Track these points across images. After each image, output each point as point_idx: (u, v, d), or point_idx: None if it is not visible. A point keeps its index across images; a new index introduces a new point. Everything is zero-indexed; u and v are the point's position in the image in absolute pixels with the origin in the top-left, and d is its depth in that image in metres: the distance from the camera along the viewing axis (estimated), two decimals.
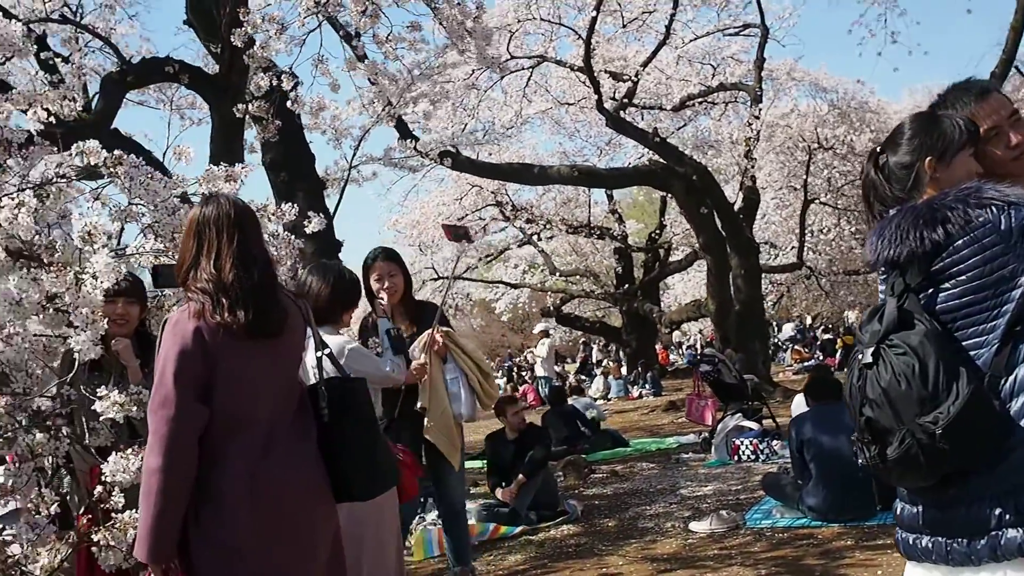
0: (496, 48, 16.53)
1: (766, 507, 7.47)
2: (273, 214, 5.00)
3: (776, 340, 34.09)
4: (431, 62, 11.29)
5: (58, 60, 8.83)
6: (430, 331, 5.47)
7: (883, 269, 2.57)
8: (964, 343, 2.39)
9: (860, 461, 2.49)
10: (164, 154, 11.34)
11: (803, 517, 6.96)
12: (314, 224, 6.29)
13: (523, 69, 18.36)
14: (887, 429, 2.37)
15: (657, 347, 27.92)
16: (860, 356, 2.49)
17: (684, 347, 34.26)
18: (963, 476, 2.34)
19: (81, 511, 3.75)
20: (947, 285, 2.40)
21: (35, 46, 8.83)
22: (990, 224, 2.33)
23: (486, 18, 15.16)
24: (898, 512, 2.56)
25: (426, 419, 5.39)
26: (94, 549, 3.23)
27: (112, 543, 3.20)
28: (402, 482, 4.44)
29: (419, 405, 5.36)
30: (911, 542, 2.51)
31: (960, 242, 2.36)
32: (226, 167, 4.87)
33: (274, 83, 8.57)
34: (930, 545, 2.44)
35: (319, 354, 3.41)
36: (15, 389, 3.48)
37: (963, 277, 2.37)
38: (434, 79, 11.99)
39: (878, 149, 2.73)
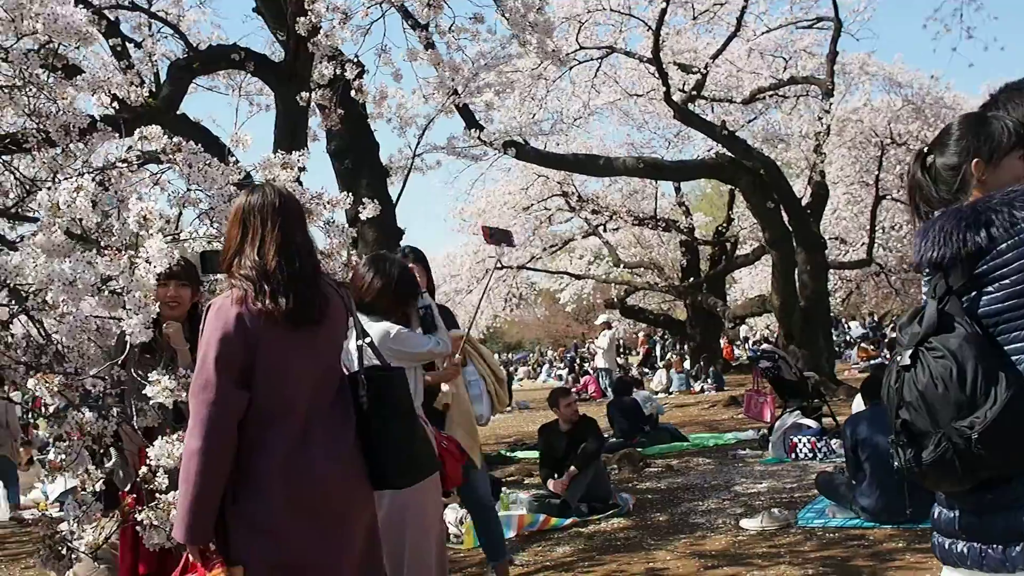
0: (565, 38, 16.57)
1: (819, 506, 7.41)
2: (329, 202, 5.07)
3: (848, 337, 33.74)
4: (496, 53, 11.32)
5: (129, 46, 9.01)
6: (460, 332, 5.55)
7: (927, 271, 2.55)
8: (1006, 347, 2.36)
9: (896, 464, 2.49)
10: (231, 139, 11.53)
11: (856, 517, 6.90)
12: (369, 210, 6.38)
13: (592, 60, 18.29)
14: (923, 432, 2.36)
15: (722, 341, 27.72)
16: (898, 358, 2.48)
17: (750, 342, 33.94)
18: (1001, 482, 2.33)
19: (127, 490, 3.86)
20: (990, 289, 2.38)
21: (104, 32, 9.06)
22: None
23: (556, 7, 15.22)
24: (935, 516, 2.55)
25: (448, 417, 5.45)
26: (138, 528, 3.31)
27: (156, 522, 3.28)
28: (446, 470, 4.50)
29: (442, 403, 5.40)
30: (947, 547, 2.50)
31: (1004, 245, 2.34)
32: (283, 155, 4.95)
33: (338, 72, 8.66)
34: (965, 550, 2.43)
35: (360, 343, 3.45)
36: (67, 369, 3.57)
37: (1006, 281, 2.35)
38: (500, 69, 12.02)
39: (925, 150, 2.70)
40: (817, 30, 19.20)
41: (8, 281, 3.71)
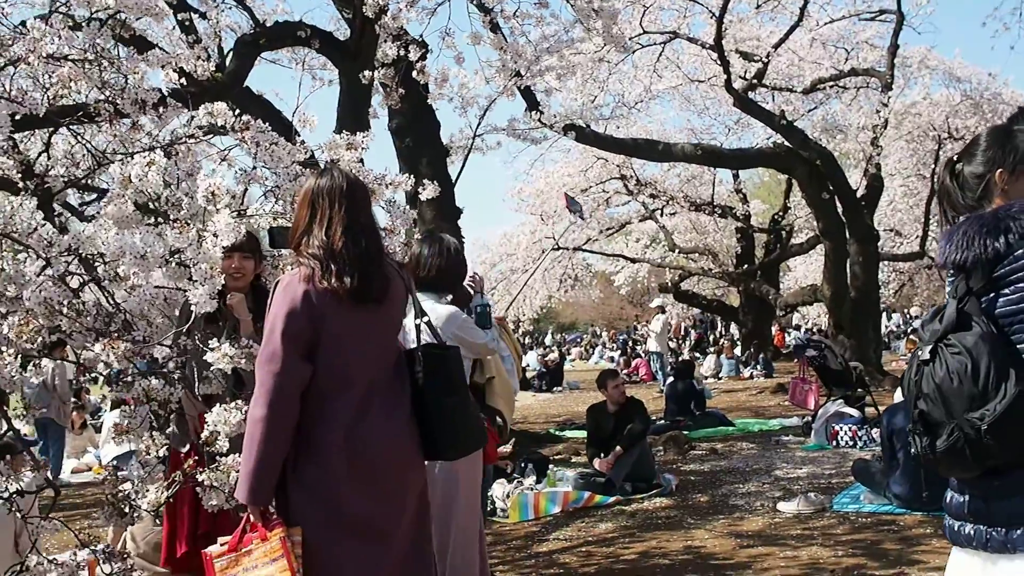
0: (628, 23, 16.60)
1: (855, 492, 7.53)
2: (390, 184, 5.23)
3: (904, 328, 33.45)
4: (560, 36, 11.38)
5: (195, 17, 9.20)
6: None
7: (951, 272, 2.68)
8: (1019, 346, 2.50)
9: (912, 451, 2.64)
10: (293, 113, 11.73)
11: (889, 504, 7.03)
12: (428, 191, 6.54)
13: (655, 44, 18.30)
14: (938, 422, 2.51)
15: (773, 329, 27.63)
16: (919, 353, 2.63)
17: (801, 330, 33.74)
18: (1008, 470, 2.47)
19: (186, 451, 4.06)
20: (1007, 291, 2.51)
21: (175, 6, 9.27)
22: None
23: None
24: (947, 500, 2.69)
25: (491, 388, 5.64)
26: (198, 489, 3.50)
27: (216, 484, 3.47)
28: (484, 448, 4.69)
29: (487, 376, 5.58)
30: (956, 528, 2.64)
31: (1021, 251, 2.48)
32: (348, 136, 5.12)
33: (401, 53, 8.82)
34: (972, 532, 2.57)
35: (418, 322, 3.62)
36: (135, 337, 3.76)
37: (1021, 284, 2.49)
38: (562, 53, 12.09)
39: (955, 158, 2.84)
40: (880, 22, 19.11)
41: (80, 251, 3.89)
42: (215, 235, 3.77)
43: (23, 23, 4.52)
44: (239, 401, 3.50)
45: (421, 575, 3.37)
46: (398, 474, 3.29)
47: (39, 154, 5.09)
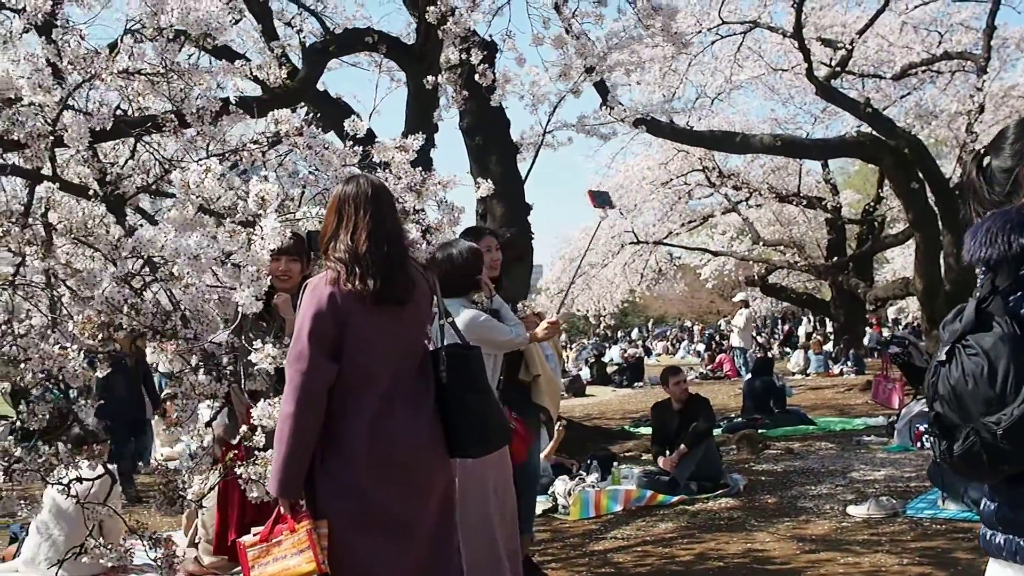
0: (707, 14, 16.51)
1: (932, 496, 7.32)
2: (439, 183, 5.38)
3: None
4: (629, 31, 11.39)
5: (278, 24, 9.45)
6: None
7: (981, 270, 2.59)
8: None
9: (932, 455, 2.60)
10: (370, 115, 11.96)
11: (968, 510, 6.78)
12: (482, 190, 6.68)
13: (735, 35, 18.14)
14: (955, 425, 2.44)
15: (872, 323, 27.08)
16: (937, 353, 2.58)
17: (901, 325, 33.10)
18: None
19: (235, 443, 4.25)
20: None
21: (257, 14, 9.53)
22: None
23: None
24: (981, 507, 2.62)
25: (537, 387, 5.72)
26: (240, 482, 3.68)
27: (255, 477, 3.65)
28: (512, 447, 4.79)
29: (533, 375, 5.68)
30: (988, 537, 2.56)
31: None
32: (397, 138, 5.29)
33: (463, 57, 8.96)
34: (1002, 542, 2.50)
35: (442, 322, 3.75)
36: (187, 335, 3.95)
37: None
38: (633, 48, 12.09)
39: (983, 151, 2.75)
40: (975, 2, 18.48)
41: (143, 253, 4.09)
42: (262, 238, 3.95)
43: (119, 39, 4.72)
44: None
45: (444, 570, 3.50)
46: (422, 469, 3.45)
47: (125, 161, 5.32)
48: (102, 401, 4.79)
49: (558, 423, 7.46)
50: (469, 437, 3.56)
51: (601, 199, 6.66)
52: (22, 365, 3.88)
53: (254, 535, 3.40)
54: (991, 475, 2.47)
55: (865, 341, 24.03)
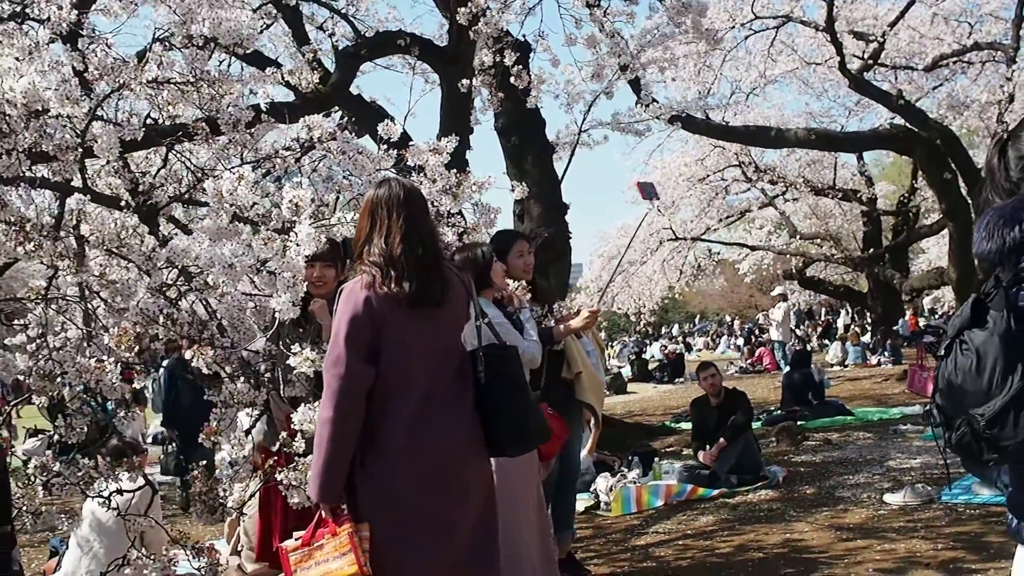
0: (740, 9, 16.46)
1: (966, 483, 7.28)
2: (475, 184, 5.38)
3: None
4: (662, 30, 11.38)
5: (309, 28, 9.51)
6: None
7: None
8: None
9: (939, 443, 2.62)
10: (404, 118, 12.01)
11: (1001, 494, 6.74)
12: (517, 192, 6.67)
13: (768, 29, 18.07)
14: (952, 416, 2.46)
15: (907, 314, 26.89)
16: (940, 347, 2.59)
17: (937, 315, 32.77)
18: None
19: (276, 449, 4.27)
20: None
21: (288, 20, 9.61)
22: None
23: None
24: (1007, 494, 2.65)
25: (580, 383, 5.71)
26: (280, 487, 3.70)
27: (295, 483, 3.67)
28: (542, 447, 4.78)
29: (576, 371, 5.68)
30: (1013, 525, 2.60)
31: None
32: (431, 141, 5.30)
33: (498, 59, 8.97)
34: (1017, 527, 2.56)
35: (478, 323, 3.71)
36: (224, 343, 3.97)
37: None
38: (666, 45, 12.09)
39: (1005, 136, 2.71)
40: None
41: (177, 262, 4.11)
42: (297, 244, 3.97)
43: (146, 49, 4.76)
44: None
45: (485, 571, 3.49)
46: (461, 471, 3.43)
47: (157, 171, 5.36)
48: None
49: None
50: (508, 437, 3.55)
51: (649, 190, 6.66)
52: (59, 379, 3.92)
53: (296, 539, 3.41)
54: (984, 464, 2.48)
55: (897, 328, 23.90)
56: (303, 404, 3.75)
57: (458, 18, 8.29)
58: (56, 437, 4.26)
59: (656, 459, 9.01)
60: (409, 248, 3.40)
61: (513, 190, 6.76)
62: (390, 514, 3.32)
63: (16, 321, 4.47)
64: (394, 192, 3.51)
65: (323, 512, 3.35)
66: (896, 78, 18.49)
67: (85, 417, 4.20)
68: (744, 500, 7.84)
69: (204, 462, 4.06)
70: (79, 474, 4.08)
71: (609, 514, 7.85)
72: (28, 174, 4.09)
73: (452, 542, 3.38)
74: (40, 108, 3.93)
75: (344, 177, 5.19)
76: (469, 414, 3.49)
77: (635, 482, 8.27)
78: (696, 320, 52.64)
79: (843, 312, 36.83)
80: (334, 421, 3.25)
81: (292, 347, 3.84)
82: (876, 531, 6.39)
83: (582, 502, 7.49)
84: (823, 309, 40.20)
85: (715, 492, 8.08)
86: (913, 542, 6.01)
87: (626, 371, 23.96)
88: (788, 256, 26.54)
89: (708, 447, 8.53)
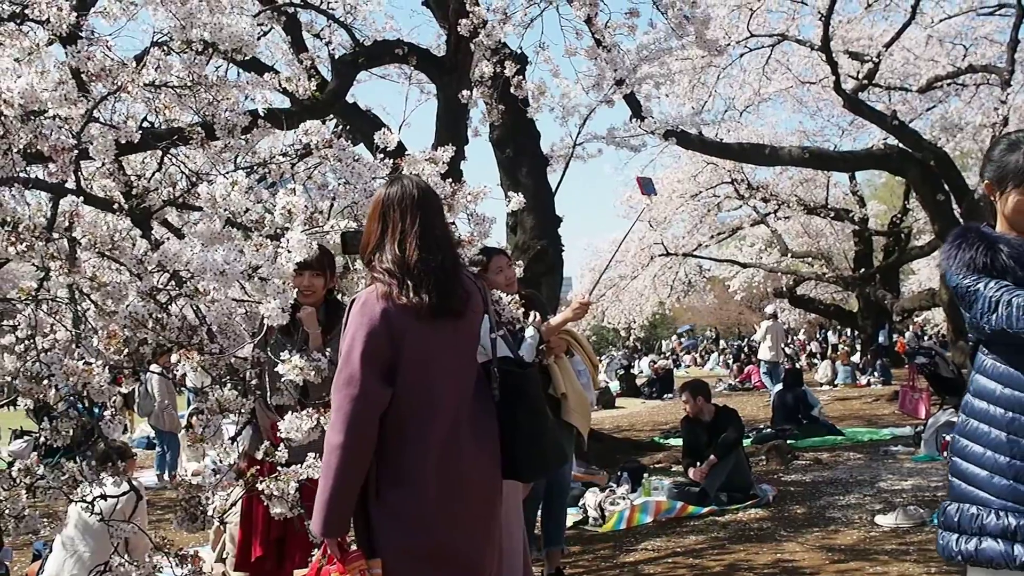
0: (735, 26, 16.48)
1: None
2: (470, 194, 5.34)
3: None
4: (659, 45, 11.35)
5: (306, 35, 9.47)
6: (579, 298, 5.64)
7: None
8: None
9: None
10: (400, 127, 11.96)
11: None
12: (513, 203, 6.63)
13: (763, 47, 18.12)
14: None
15: (896, 335, 26.99)
16: None
17: (926, 337, 32.86)
18: None
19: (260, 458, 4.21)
20: None
21: (285, 27, 9.57)
22: (951, 269, 2.68)
23: None
24: None
25: (565, 404, 5.65)
26: (262, 496, 3.62)
27: (276, 493, 3.56)
28: None
29: (560, 392, 5.60)
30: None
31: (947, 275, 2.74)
32: (427, 150, 5.25)
33: (497, 70, 8.94)
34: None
35: (494, 336, 3.40)
36: (212, 349, 3.91)
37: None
38: (663, 60, 12.06)
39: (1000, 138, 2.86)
40: (999, 16, 18.43)
41: (169, 267, 4.06)
42: (288, 251, 3.91)
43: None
44: (311, 409, 3.61)
45: None
46: (487, 498, 3.18)
47: (152, 174, 5.32)
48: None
49: None
50: (525, 460, 3.28)
51: (648, 186, 6.61)
52: (45, 381, 3.86)
53: None
54: None
55: (880, 338, 24.02)
56: (290, 412, 3.69)
57: (459, 29, 8.26)
58: (42, 439, 4.17)
59: (645, 475, 8.96)
60: (427, 254, 3.09)
61: (509, 201, 6.68)
62: (409, 547, 3.02)
63: (5, 322, 4.41)
64: (407, 191, 3.19)
65: (328, 548, 3.07)
66: (890, 99, 18.54)
67: (71, 420, 4.13)
68: (734, 519, 7.79)
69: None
70: (63, 478, 4.00)
71: (598, 529, 7.80)
72: (23, 175, 4.04)
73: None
74: (36, 109, 3.89)
75: (339, 184, 5.14)
76: (494, 439, 3.22)
77: (625, 498, 8.21)
78: (684, 334, 52.58)
79: (829, 334, 36.95)
80: (346, 447, 2.94)
81: (280, 354, 3.78)
82: (867, 553, 6.36)
83: (571, 517, 7.41)
84: (801, 330, 40.21)
85: (705, 510, 8.04)
86: (906, 565, 5.98)
87: (614, 386, 23.89)
88: (779, 274, 26.60)
89: (699, 464, 8.48)
